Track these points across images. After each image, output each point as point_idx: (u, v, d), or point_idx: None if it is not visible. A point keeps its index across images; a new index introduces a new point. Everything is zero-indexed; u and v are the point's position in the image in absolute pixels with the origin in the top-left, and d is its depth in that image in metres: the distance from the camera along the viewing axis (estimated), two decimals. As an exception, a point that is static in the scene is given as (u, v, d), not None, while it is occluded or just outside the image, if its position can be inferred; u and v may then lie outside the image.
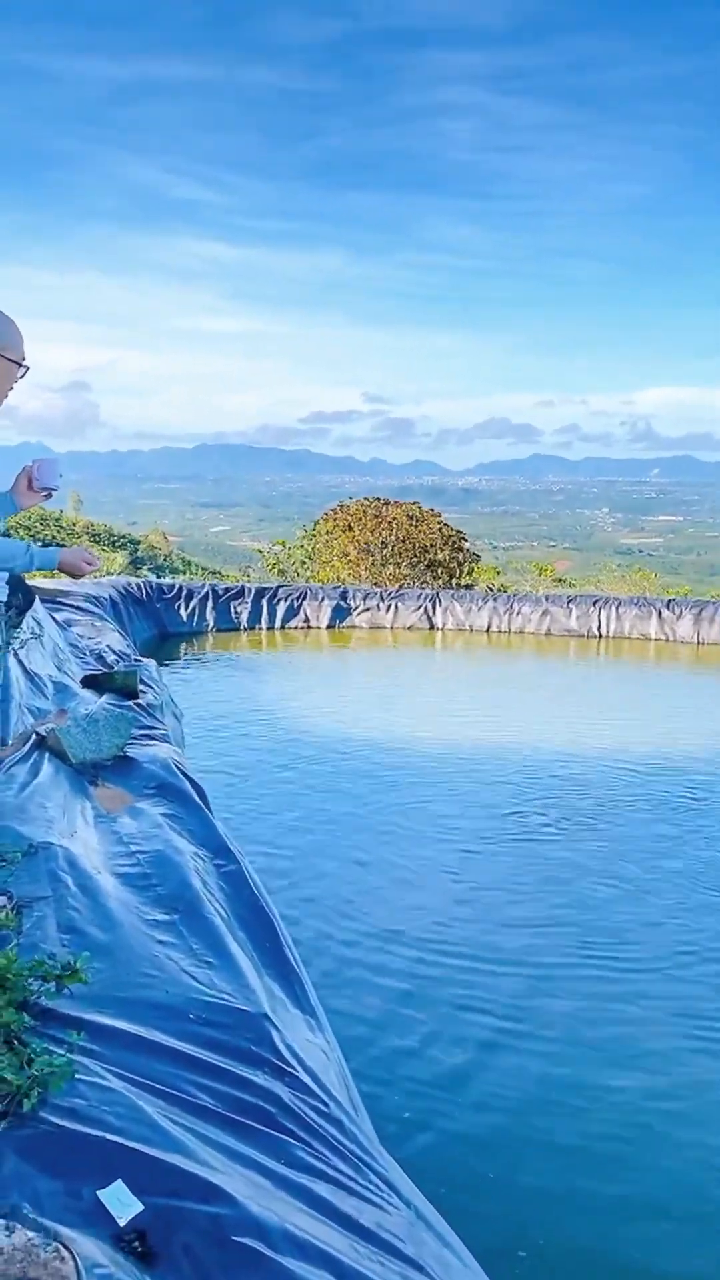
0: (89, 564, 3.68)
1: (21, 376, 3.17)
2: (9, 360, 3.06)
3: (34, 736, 5.81)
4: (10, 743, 5.75)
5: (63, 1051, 2.88)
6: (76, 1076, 2.79)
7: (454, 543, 25.84)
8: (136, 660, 9.34)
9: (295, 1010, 3.79)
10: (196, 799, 5.42)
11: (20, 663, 6.98)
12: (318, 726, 9.82)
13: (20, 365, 3.13)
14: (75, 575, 3.57)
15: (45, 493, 3.47)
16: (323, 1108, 3.09)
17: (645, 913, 5.91)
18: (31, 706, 6.44)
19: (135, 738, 6.23)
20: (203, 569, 46.96)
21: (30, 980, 3.12)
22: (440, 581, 23.85)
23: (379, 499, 27.02)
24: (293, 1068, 3.22)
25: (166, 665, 12.80)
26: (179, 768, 5.80)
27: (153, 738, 6.45)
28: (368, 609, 15.76)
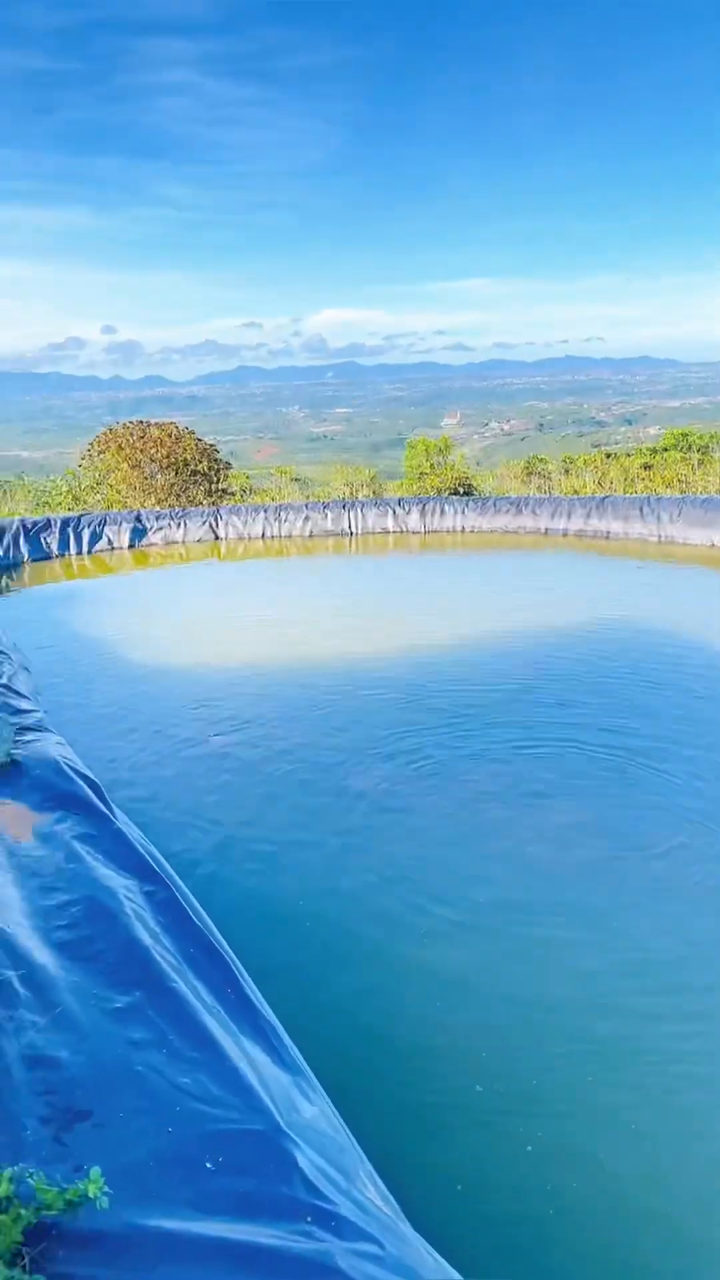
0: None
1: None
2: None
3: None
4: None
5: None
6: None
7: (209, 455, 23.99)
8: (-20, 619, 7.58)
9: (282, 1074, 2.74)
10: (100, 806, 4.12)
11: None
12: (150, 654, 8.33)
13: None
14: None
15: None
16: (378, 1251, 2.11)
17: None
18: None
19: (16, 735, 4.78)
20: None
21: (31, 1213, 1.92)
22: (202, 489, 22.11)
23: (142, 421, 24.62)
24: (332, 1203, 2.21)
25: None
26: (71, 767, 4.44)
27: (29, 727, 5.00)
28: (161, 528, 14.06)
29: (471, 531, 14.43)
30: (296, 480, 23.62)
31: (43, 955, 2.99)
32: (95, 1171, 1.97)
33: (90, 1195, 1.93)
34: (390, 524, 14.41)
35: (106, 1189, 1.97)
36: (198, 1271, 1.94)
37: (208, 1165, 2.24)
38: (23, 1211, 1.90)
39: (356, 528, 14.37)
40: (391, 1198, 2.44)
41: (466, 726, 6.00)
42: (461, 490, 20.22)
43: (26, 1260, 1.88)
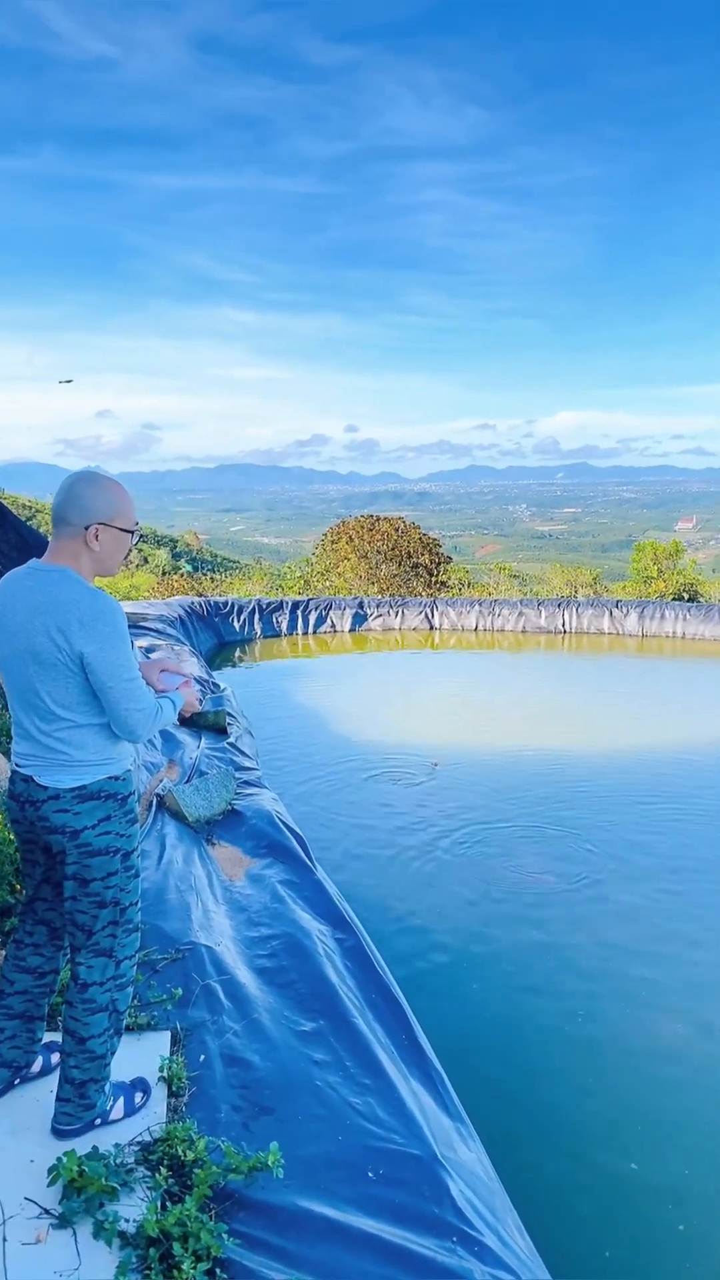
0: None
1: (134, 544, 2.29)
2: (122, 530, 2.22)
3: (155, 800, 4.95)
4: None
5: (280, 1279, 2.06)
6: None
7: (431, 549, 24.98)
8: (215, 685, 8.45)
9: (445, 1118, 2.97)
10: (303, 856, 4.57)
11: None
12: (357, 729, 8.86)
13: (132, 534, 2.26)
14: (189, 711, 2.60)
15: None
16: (514, 1281, 2.29)
17: None
18: (146, 762, 5.55)
19: (238, 788, 5.37)
20: (234, 563, 45.49)
21: (220, 1171, 2.29)
22: (422, 581, 22.99)
23: (372, 515, 26.08)
24: (477, 1231, 2.41)
25: (225, 669, 11.90)
26: (281, 820, 4.95)
27: (249, 782, 5.59)
28: (380, 615, 14.85)
29: (693, 639, 14.12)
30: (515, 577, 24.04)
31: (244, 976, 3.42)
32: (274, 1146, 2.32)
33: (269, 1164, 2.27)
34: (606, 625, 14.40)
35: (282, 1163, 2.30)
36: (352, 1257, 2.22)
37: (369, 1174, 2.51)
38: (214, 1169, 2.27)
39: (570, 626, 14.47)
40: (536, 1251, 2.59)
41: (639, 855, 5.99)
42: (686, 596, 19.77)
43: (213, 1212, 2.24)
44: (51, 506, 2.23)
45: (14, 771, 2.30)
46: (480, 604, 15.04)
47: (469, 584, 23.88)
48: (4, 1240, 2.06)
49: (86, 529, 2.17)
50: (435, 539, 25.13)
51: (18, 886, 3.49)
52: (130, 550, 2.33)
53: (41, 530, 11.88)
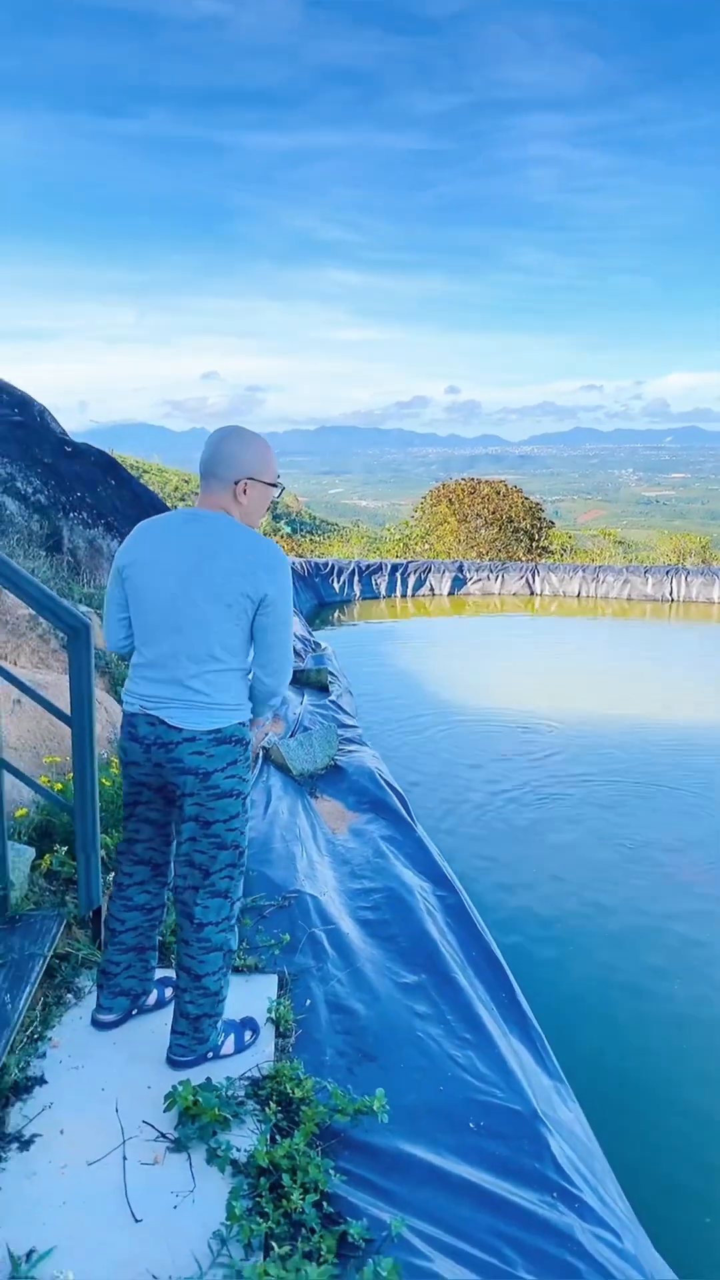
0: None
1: (278, 496, 2.33)
2: (266, 484, 2.30)
3: (261, 752, 5.05)
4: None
5: (385, 1217, 2.11)
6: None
7: (534, 513, 24.52)
8: (316, 645, 8.52)
9: (544, 1077, 2.98)
10: (405, 814, 4.61)
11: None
12: (455, 692, 8.82)
13: (276, 486, 2.34)
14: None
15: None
16: (616, 1242, 2.29)
17: None
18: (251, 716, 5.65)
19: (340, 745, 5.43)
20: (332, 525, 45.72)
21: (326, 1111, 2.35)
22: (523, 546, 22.61)
23: (473, 479, 25.71)
24: (577, 1188, 2.42)
25: (325, 629, 11.99)
26: (382, 778, 4.99)
27: (351, 740, 5.64)
28: (480, 579, 14.69)
29: None
30: (620, 543, 23.45)
31: (348, 926, 3.48)
32: (380, 1092, 2.36)
33: (374, 1109, 2.32)
34: (716, 594, 13.90)
35: (387, 1109, 2.35)
36: (453, 1203, 2.26)
37: (470, 1125, 2.54)
38: (321, 1108, 2.33)
39: (678, 595, 14.03)
40: (634, 1215, 2.58)
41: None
42: None
43: (319, 1149, 2.30)
44: (200, 461, 2.29)
45: (136, 715, 2.33)
46: (584, 570, 14.72)
47: (571, 550, 23.40)
48: (124, 1159, 2.16)
49: (235, 484, 2.23)
50: (537, 503, 24.66)
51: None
52: (271, 504, 2.39)
53: (152, 489, 12.14)
